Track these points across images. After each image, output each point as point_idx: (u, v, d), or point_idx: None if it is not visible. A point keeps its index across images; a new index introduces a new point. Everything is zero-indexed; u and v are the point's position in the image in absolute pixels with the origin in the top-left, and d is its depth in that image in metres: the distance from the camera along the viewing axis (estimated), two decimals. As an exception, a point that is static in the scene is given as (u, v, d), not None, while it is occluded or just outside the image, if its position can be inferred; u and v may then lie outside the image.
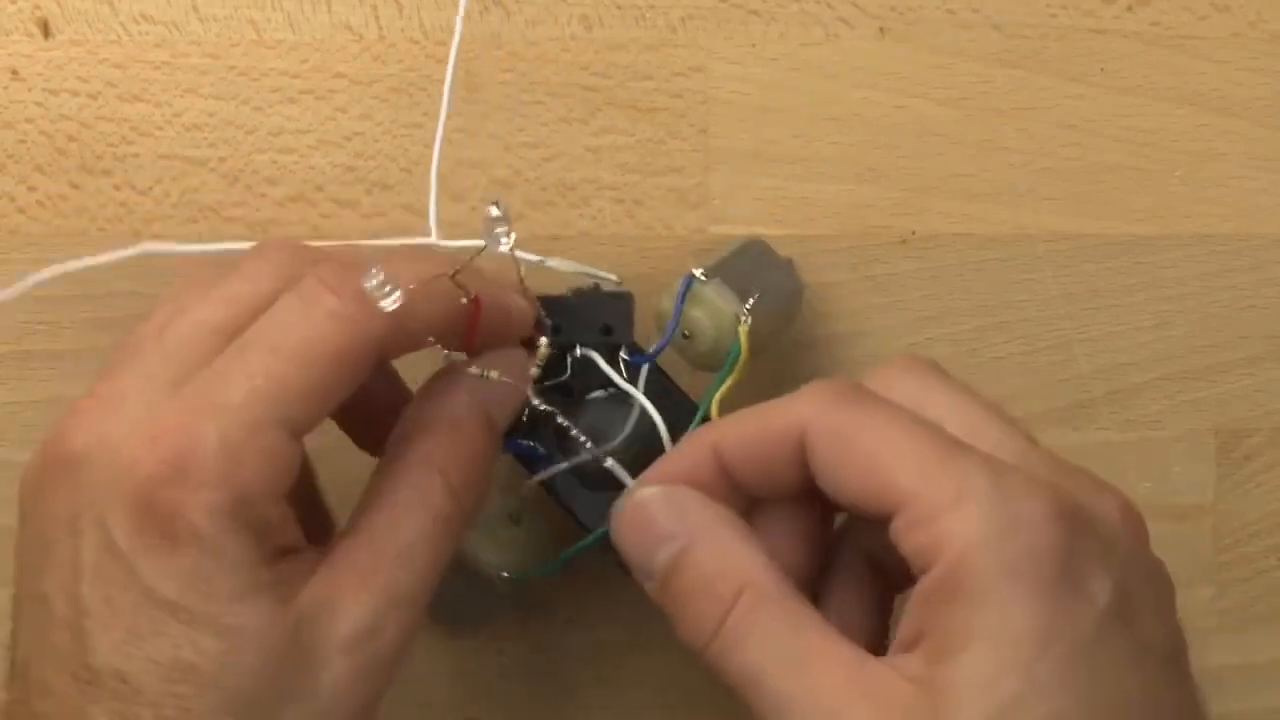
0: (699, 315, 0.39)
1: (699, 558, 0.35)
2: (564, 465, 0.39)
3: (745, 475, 0.36)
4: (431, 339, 0.37)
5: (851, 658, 0.33)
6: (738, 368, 0.39)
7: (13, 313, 0.44)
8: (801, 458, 0.35)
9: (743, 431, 0.36)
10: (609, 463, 0.39)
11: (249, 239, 0.44)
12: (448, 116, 0.44)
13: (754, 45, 0.44)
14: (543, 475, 0.39)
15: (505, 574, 0.40)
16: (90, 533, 0.33)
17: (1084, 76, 0.45)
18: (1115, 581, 0.33)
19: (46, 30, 0.44)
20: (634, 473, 0.38)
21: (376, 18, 0.44)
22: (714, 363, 0.40)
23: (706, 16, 0.44)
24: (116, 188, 0.44)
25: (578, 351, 0.40)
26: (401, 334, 0.35)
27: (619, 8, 0.44)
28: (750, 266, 0.41)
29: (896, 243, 0.45)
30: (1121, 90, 0.45)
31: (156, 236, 0.44)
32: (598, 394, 0.40)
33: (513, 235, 0.36)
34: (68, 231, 0.44)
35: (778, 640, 0.34)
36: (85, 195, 0.44)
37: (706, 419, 0.39)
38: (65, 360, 0.44)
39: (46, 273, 0.39)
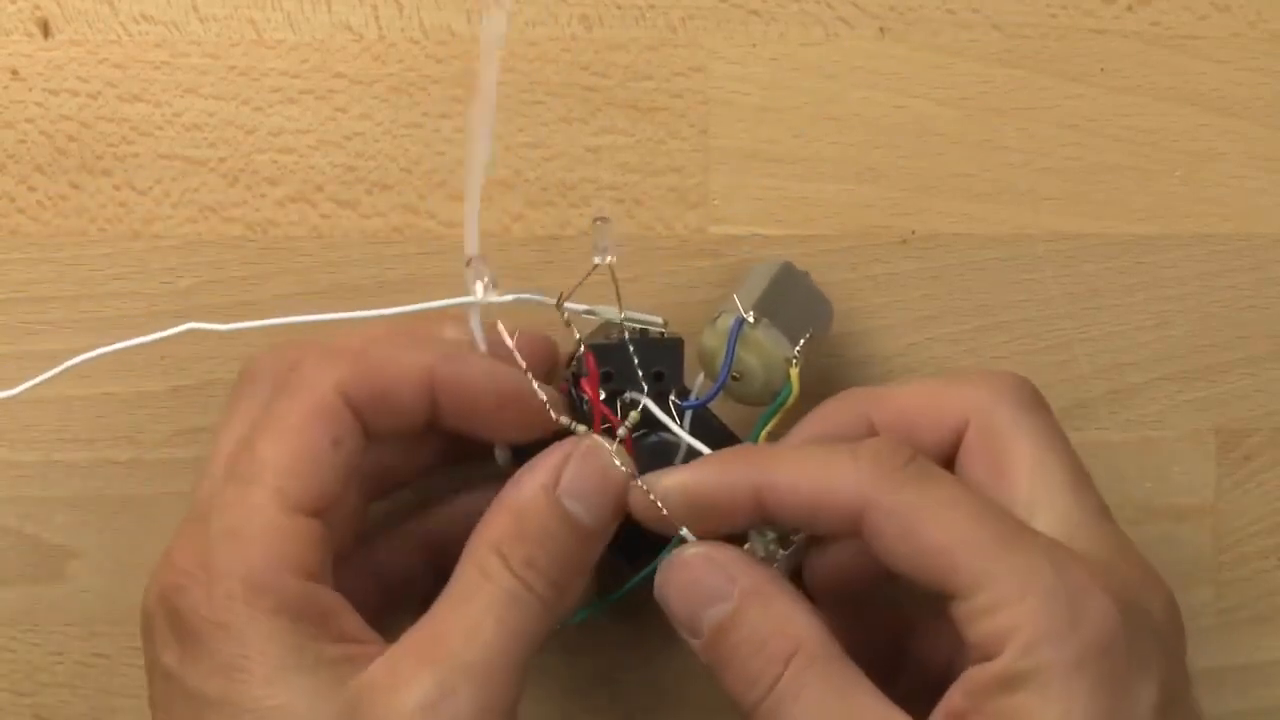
0: (750, 359, 0.40)
1: (751, 618, 0.36)
2: None
3: (786, 522, 0.37)
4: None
5: None
6: (786, 406, 0.40)
7: (13, 313, 0.44)
8: (853, 523, 0.36)
9: (795, 486, 0.36)
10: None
11: (249, 239, 0.44)
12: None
13: (754, 45, 0.44)
14: None
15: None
16: (152, 672, 0.34)
17: (1084, 76, 0.45)
18: (1161, 682, 0.34)
19: (46, 30, 0.44)
20: None
21: (376, 18, 0.44)
22: (762, 400, 0.40)
23: (706, 16, 0.44)
24: (116, 188, 0.44)
25: (628, 397, 0.39)
26: (379, 393, 0.36)
27: (619, 8, 0.44)
28: (789, 297, 0.41)
29: (896, 243, 0.45)
30: (1121, 90, 0.45)
31: (157, 236, 0.44)
32: (641, 433, 0.40)
33: (611, 258, 0.38)
34: (68, 231, 0.44)
35: (829, 703, 0.34)
36: (85, 195, 0.44)
37: None
38: (65, 360, 0.44)
39: (93, 353, 0.39)
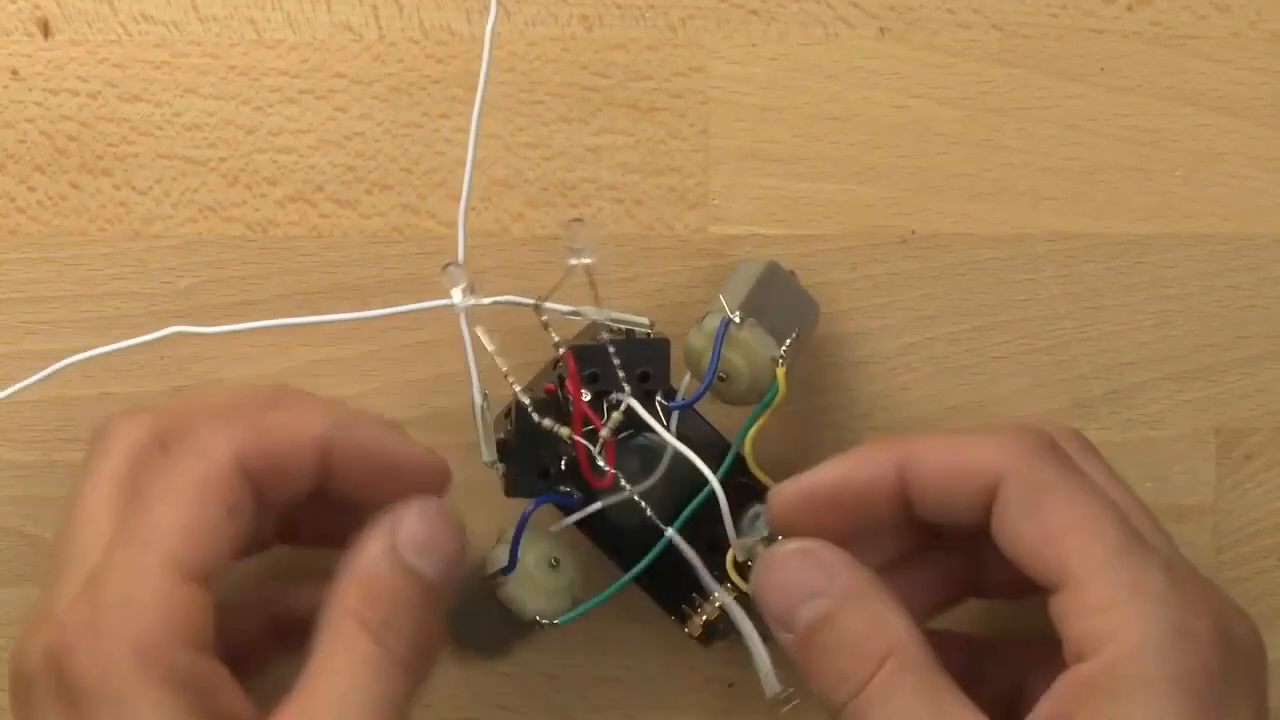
0: (735, 359, 0.39)
1: (848, 617, 0.35)
2: (595, 506, 0.39)
3: (923, 499, 0.37)
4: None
5: None
6: (773, 406, 0.39)
7: (13, 313, 0.44)
8: (987, 500, 0.36)
9: (938, 459, 0.36)
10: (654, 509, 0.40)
11: (249, 239, 0.44)
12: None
13: (754, 45, 0.44)
14: (574, 518, 0.40)
15: (546, 621, 0.41)
16: None
17: (1084, 76, 0.45)
18: (1253, 711, 0.34)
19: (46, 30, 0.44)
20: (668, 514, 0.39)
21: (376, 18, 0.44)
22: (748, 401, 0.40)
23: (706, 16, 0.44)
24: (116, 188, 0.44)
25: (614, 398, 0.39)
26: (274, 463, 0.36)
27: (619, 8, 0.44)
28: (775, 297, 0.41)
29: (896, 243, 0.45)
30: (1121, 90, 0.45)
31: (157, 236, 0.44)
32: (627, 434, 0.40)
33: (589, 259, 0.38)
34: (68, 231, 0.44)
35: (919, 707, 0.34)
36: (85, 195, 0.44)
37: (739, 457, 0.40)
38: (65, 360, 0.44)
39: (78, 356, 0.40)
